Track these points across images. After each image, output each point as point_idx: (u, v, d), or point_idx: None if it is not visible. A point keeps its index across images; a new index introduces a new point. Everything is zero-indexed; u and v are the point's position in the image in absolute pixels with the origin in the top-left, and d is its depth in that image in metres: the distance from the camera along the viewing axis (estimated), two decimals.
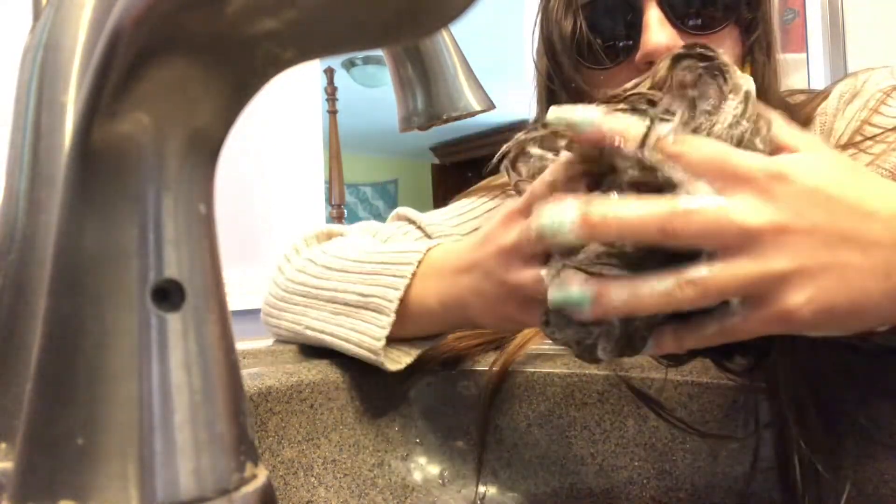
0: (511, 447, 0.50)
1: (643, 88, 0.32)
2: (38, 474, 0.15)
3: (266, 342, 0.55)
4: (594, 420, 0.47)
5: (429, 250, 0.45)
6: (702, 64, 0.30)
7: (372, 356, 0.45)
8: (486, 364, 0.52)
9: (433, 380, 0.52)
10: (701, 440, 0.43)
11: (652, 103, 0.31)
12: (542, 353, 0.51)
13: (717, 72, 0.30)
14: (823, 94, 0.55)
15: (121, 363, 0.15)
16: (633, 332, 0.30)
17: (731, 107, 0.30)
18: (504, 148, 0.36)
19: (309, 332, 0.50)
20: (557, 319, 0.32)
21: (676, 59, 0.31)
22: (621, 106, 0.31)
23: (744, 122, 0.30)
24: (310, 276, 0.51)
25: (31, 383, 0.15)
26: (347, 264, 0.49)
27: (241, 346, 0.53)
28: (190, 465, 0.15)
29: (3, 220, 0.24)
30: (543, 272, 0.32)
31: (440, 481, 0.50)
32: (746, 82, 0.30)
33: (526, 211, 0.34)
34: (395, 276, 0.44)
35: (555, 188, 0.32)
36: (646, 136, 0.28)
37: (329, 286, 0.49)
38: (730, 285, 0.28)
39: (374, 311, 0.45)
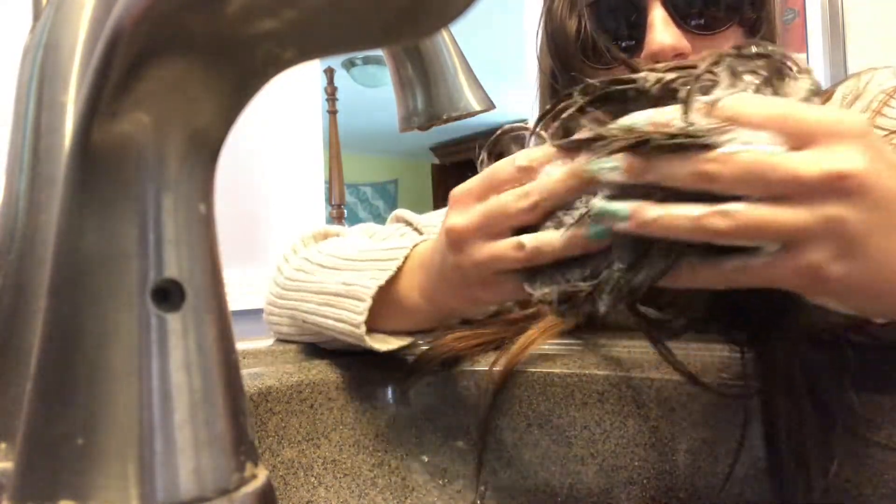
0: (511, 447, 0.50)
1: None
2: (38, 474, 0.15)
3: (266, 342, 0.55)
4: (594, 420, 0.47)
5: (415, 245, 0.46)
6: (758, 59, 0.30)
7: (354, 338, 0.46)
8: (486, 364, 0.52)
9: (433, 380, 0.52)
10: (701, 440, 0.43)
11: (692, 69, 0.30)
12: (542, 353, 0.51)
13: (781, 62, 0.29)
14: (826, 95, 0.55)
15: (121, 363, 0.15)
16: (635, 279, 0.30)
17: (805, 84, 0.29)
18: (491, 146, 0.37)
19: (305, 324, 0.51)
20: (548, 273, 0.32)
21: (728, 54, 0.30)
22: (666, 77, 0.30)
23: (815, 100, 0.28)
24: (305, 274, 0.52)
25: (31, 383, 0.15)
26: (339, 262, 0.50)
27: (241, 346, 0.53)
28: (190, 465, 0.15)
29: (3, 220, 0.24)
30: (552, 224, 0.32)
31: (440, 481, 0.50)
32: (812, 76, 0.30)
33: (480, 194, 0.35)
34: (380, 269, 0.45)
35: (527, 171, 0.32)
36: (687, 102, 0.27)
37: (318, 279, 0.50)
38: (768, 226, 0.27)
39: (353, 298, 0.46)
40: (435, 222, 0.61)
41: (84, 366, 0.15)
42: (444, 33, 0.37)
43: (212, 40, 0.14)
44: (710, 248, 0.28)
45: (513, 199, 0.33)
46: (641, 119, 0.29)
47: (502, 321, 0.53)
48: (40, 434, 0.15)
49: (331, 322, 0.47)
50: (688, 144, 0.27)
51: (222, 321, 0.16)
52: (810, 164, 0.26)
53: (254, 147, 1.63)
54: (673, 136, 0.27)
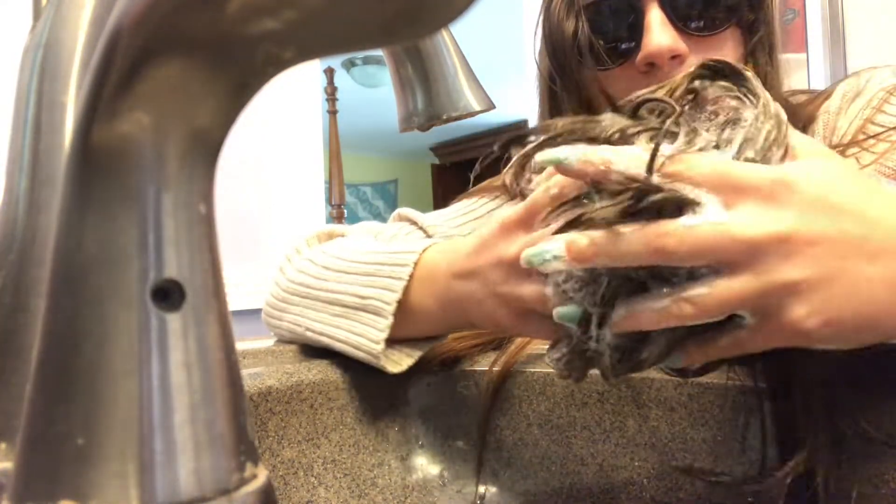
0: (511, 447, 0.50)
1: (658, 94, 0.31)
2: (38, 474, 0.15)
3: (266, 342, 0.55)
4: (594, 420, 0.47)
5: (424, 250, 0.45)
6: (724, 83, 0.30)
7: (371, 359, 0.45)
8: (486, 364, 0.52)
9: (433, 380, 0.52)
10: (701, 440, 0.43)
11: (661, 114, 0.30)
12: (542, 354, 0.51)
13: (747, 92, 0.30)
14: (826, 94, 0.55)
15: (121, 363, 0.15)
16: (639, 360, 0.31)
17: (764, 130, 0.29)
18: (508, 155, 0.36)
19: (309, 334, 0.50)
20: (566, 344, 0.32)
21: (699, 74, 0.30)
22: (629, 125, 0.30)
23: (774, 149, 0.29)
24: (309, 277, 0.51)
25: (31, 383, 0.15)
26: (345, 265, 0.49)
27: (241, 346, 0.53)
28: (190, 465, 0.15)
29: (3, 220, 0.24)
30: (548, 290, 0.32)
31: (440, 481, 0.50)
32: (776, 108, 0.30)
33: (527, 222, 0.34)
34: (391, 277, 0.44)
35: (557, 199, 0.32)
36: (651, 160, 0.28)
37: (327, 287, 0.49)
38: (730, 301, 0.27)
39: (372, 313, 0.45)
40: (439, 222, 0.61)
41: (84, 366, 0.15)
42: (444, 33, 0.37)
43: (212, 40, 0.14)
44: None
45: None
46: (578, 154, 0.29)
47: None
48: (40, 434, 0.15)
49: (344, 334, 0.46)
50: (645, 206, 0.28)
51: (222, 321, 0.16)
52: (749, 229, 0.27)
53: (254, 147, 1.63)
54: (629, 191, 0.28)
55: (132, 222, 0.15)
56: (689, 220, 0.27)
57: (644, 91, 0.32)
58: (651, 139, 0.29)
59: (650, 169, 0.27)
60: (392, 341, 0.45)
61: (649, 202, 0.27)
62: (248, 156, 1.61)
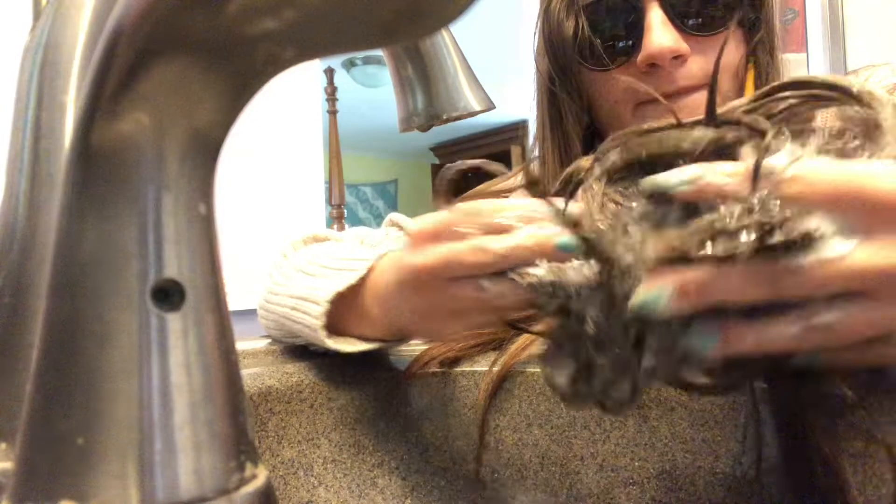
0: (511, 447, 0.50)
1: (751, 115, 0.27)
2: (38, 474, 0.15)
3: (266, 342, 0.55)
4: (594, 420, 0.47)
5: (381, 257, 0.45)
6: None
7: (313, 333, 0.46)
8: (485, 364, 0.52)
9: (433, 380, 0.52)
10: (701, 440, 0.43)
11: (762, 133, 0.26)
12: (541, 353, 0.51)
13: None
14: None
15: (121, 363, 0.15)
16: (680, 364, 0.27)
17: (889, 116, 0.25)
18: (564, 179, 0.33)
19: (280, 323, 0.51)
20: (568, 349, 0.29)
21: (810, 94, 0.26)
22: (722, 134, 0.26)
23: None
24: (284, 278, 0.52)
25: (31, 383, 0.15)
26: (315, 269, 0.50)
27: (241, 346, 0.53)
28: (190, 465, 0.15)
29: (3, 220, 0.24)
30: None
31: (440, 481, 0.50)
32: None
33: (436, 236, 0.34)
34: (344, 276, 0.45)
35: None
36: (756, 172, 0.24)
37: (294, 283, 0.50)
38: (863, 331, 0.25)
39: (312, 301, 0.46)
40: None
41: (84, 365, 0.15)
42: (444, 33, 0.37)
43: (212, 40, 0.14)
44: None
45: (469, 251, 0.32)
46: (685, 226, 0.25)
47: (501, 322, 0.53)
48: (40, 434, 0.15)
49: (294, 325, 0.48)
50: (766, 257, 0.23)
51: (222, 321, 0.16)
52: (884, 260, 0.24)
53: (254, 147, 1.63)
54: (735, 238, 0.24)
55: (132, 222, 0.15)
56: (813, 255, 0.24)
57: (739, 102, 0.29)
58: (756, 148, 0.25)
59: (754, 185, 0.24)
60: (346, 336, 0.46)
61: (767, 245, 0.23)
62: (248, 156, 1.62)
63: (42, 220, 0.24)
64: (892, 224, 0.24)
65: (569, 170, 0.32)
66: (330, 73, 2.48)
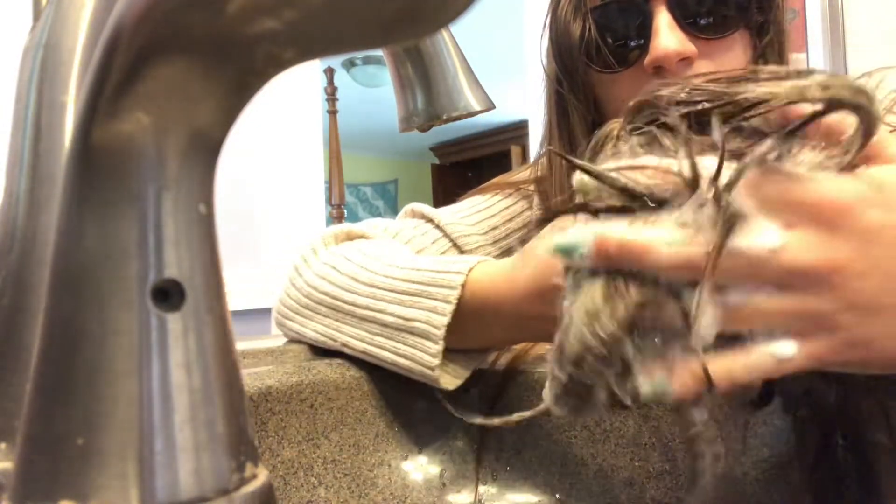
0: (511, 447, 0.50)
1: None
2: (38, 474, 0.15)
3: (266, 342, 0.55)
4: (594, 420, 0.47)
5: (470, 270, 0.43)
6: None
7: (428, 372, 0.44)
8: (485, 364, 0.52)
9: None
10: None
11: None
12: (542, 353, 0.51)
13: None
14: None
15: (121, 363, 0.15)
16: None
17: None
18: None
19: (347, 350, 0.49)
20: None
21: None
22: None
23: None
24: (336, 288, 0.49)
25: (31, 383, 0.15)
26: (379, 279, 0.47)
27: (241, 346, 0.53)
28: (190, 465, 0.15)
29: (3, 220, 0.24)
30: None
31: (440, 481, 0.50)
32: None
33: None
34: (437, 300, 0.43)
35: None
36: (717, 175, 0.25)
37: (360, 302, 0.47)
38: (770, 316, 0.26)
39: (419, 336, 0.44)
40: (455, 220, 0.60)
41: (84, 365, 0.15)
42: (444, 33, 0.37)
43: (212, 40, 0.14)
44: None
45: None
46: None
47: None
48: (40, 434, 0.15)
49: (391, 356, 0.45)
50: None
51: (222, 321, 0.16)
52: (800, 256, 0.26)
53: (254, 147, 1.63)
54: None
55: (132, 222, 0.15)
56: (741, 240, 0.25)
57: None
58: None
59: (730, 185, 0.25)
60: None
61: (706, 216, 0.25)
62: (248, 156, 1.62)
63: (42, 220, 0.24)
64: (814, 227, 0.26)
65: (600, 133, 0.32)
66: (330, 73, 2.48)
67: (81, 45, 0.25)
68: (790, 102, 0.26)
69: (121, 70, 0.14)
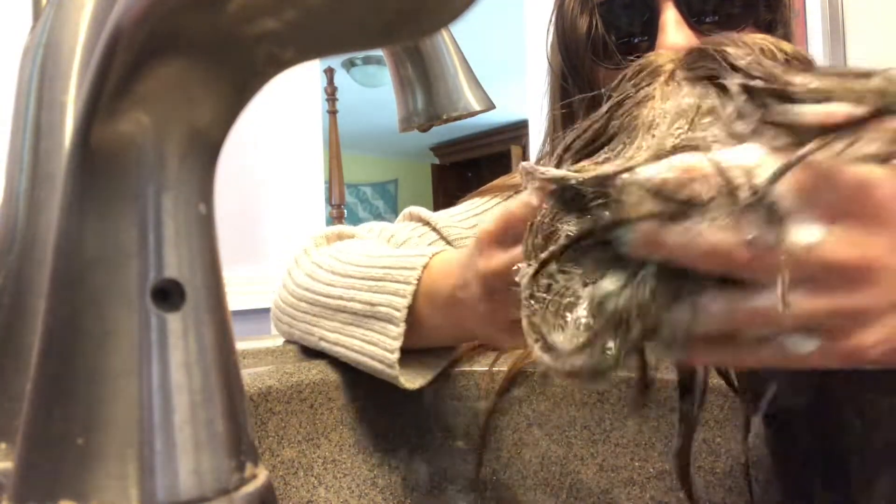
0: (511, 447, 0.50)
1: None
2: (38, 474, 0.15)
3: (266, 342, 0.55)
4: (594, 420, 0.47)
5: (433, 256, 0.43)
6: None
7: (387, 370, 0.44)
8: (486, 364, 0.52)
9: (433, 380, 0.52)
10: (701, 440, 0.43)
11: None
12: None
13: None
14: None
15: (121, 363, 0.15)
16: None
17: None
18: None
19: (323, 344, 0.49)
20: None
21: None
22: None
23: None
24: (317, 283, 0.50)
25: (31, 383, 0.15)
26: (352, 269, 0.47)
27: (241, 346, 0.53)
28: (190, 465, 0.15)
29: (3, 220, 0.24)
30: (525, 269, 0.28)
31: (440, 481, 0.50)
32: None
33: (501, 237, 0.32)
34: (399, 281, 0.43)
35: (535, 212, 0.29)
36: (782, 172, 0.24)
37: (335, 293, 0.47)
38: (800, 316, 0.25)
39: (383, 320, 0.44)
40: (452, 222, 0.60)
41: (84, 366, 0.15)
42: (444, 33, 0.37)
43: (212, 40, 0.14)
44: None
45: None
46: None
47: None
48: (40, 434, 0.15)
49: (359, 343, 0.45)
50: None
51: (222, 321, 0.16)
52: (835, 252, 0.24)
53: (254, 147, 1.63)
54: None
55: (132, 222, 0.15)
56: (769, 233, 0.24)
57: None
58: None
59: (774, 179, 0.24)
60: (404, 353, 0.44)
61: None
62: (248, 156, 1.62)
63: (42, 220, 0.24)
64: (852, 220, 0.24)
65: (645, 62, 0.31)
66: (330, 73, 2.48)
67: (81, 45, 0.25)
68: (845, 102, 0.25)
69: (121, 70, 0.14)
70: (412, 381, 0.45)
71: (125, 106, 0.14)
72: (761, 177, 0.24)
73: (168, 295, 0.15)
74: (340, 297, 0.47)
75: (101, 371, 0.15)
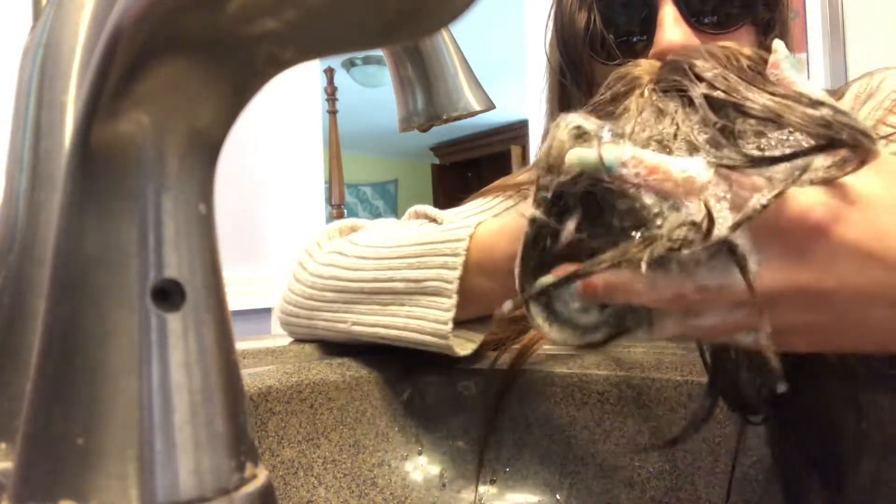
0: (511, 447, 0.50)
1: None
2: (38, 474, 0.15)
3: (266, 342, 0.55)
4: (594, 420, 0.47)
5: (478, 225, 0.44)
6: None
7: (439, 341, 0.44)
8: (486, 364, 0.52)
9: (433, 380, 0.52)
10: (701, 440, 0.43)
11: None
12: (542, 353, 0.51)
13: None
14: (839, 93, 0.54)
15: (121, 363, 0.15)
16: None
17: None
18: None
19: (357, 329, 0.48)
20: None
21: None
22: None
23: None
24: (342, 269, 0.49)
25: (31, 383, 0.15)
26: (384, 251, 0.47)
27: (241, 346, 0.53)
28: (190, 465, 0.15)
29: (3, 220, 0.24)
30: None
31: (440, 481, 0.50)
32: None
33: None
34: (446, 255, 0.43)
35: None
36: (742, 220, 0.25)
37: (368, 276, 0.47)
38: (734, 329, 0.27)
39: (432, 294, 0.44)
40: (459, 219, 0.60)
41: (84, 366, 0.15)
42: (444, 33, 0.37)
43: (212, 40, 0.14)
44: None
45: None
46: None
47: (501, 321, 0.53)
48: (40, 434, 0.15)
49: (402, 321, 0.45)
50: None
51: (222, 321, 0.16)
52: (768, 282, 0.26)
53: (254, 147, 1.63)
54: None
55: (132, 222, 0.15)
56: (708, 277, 0.26)
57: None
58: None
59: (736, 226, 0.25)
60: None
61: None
62: (248, 156, 1.62)
63: (42, 220, 0.24)
64: (782, 250, 0.26)
65: (624, 74, 0.33)
66: (330, 73, 2.48)
67: (81, 45, 0.25)
68: (793, 128, 0.27)
69: (121, 70, 0.14)
70: (463, 347, 0.45)
71: (125, 106, 0.14)
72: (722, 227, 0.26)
73: (168, 295, 0.15)
74: (376, 280, 0.46)
75: (101, 371, 0.15)
